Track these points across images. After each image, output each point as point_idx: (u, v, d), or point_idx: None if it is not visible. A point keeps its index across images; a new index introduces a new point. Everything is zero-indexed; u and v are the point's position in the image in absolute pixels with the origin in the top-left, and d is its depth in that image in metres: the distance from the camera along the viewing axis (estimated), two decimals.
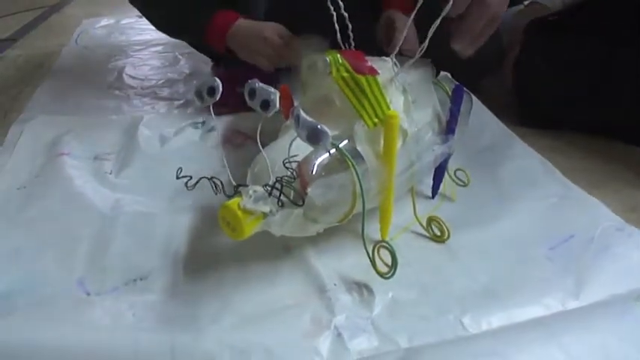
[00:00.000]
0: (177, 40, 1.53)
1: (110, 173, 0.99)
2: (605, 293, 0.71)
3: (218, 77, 1.25)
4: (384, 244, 0.70)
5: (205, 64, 1.53)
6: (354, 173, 0.66)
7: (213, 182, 0.65)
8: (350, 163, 0.66)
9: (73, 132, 1.11)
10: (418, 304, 0.69)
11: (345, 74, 0.70)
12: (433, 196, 0.91)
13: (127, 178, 0.97)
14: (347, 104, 0.71)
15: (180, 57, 1.68)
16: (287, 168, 0.64)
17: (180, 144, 1.08)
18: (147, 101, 1.35)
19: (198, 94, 0.67)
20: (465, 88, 0.84)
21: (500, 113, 1.19)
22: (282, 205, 0.64)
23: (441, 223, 0.79)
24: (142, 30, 2.00)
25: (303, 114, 0.60)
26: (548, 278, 0.74)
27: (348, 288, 0.71)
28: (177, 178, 0.66)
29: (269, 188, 0.63)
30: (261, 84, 0.62)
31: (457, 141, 0.87)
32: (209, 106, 0.68)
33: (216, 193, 0.65)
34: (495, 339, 0.64)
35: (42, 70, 1.60)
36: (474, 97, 1.03)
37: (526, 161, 1.02)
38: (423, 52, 0.72)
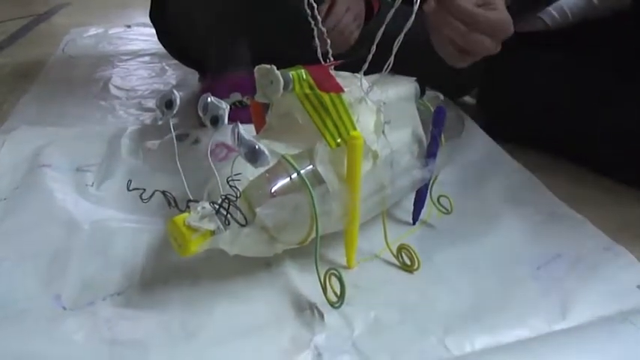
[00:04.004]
0: (165, 51, 1.52)
1: (91, 185, 0.97)
2: (591, 314, 0.70)
3: (204, 89, 1.26)
4: (334, 272, 0.69)
5: (192, 74, 1.52)
6: (309, 195, 0.65)
7: (166, 197, 0.64)
8: (305, 183, 0.66)
9: (55, 143, 1.09)
10: (401, 325, 0.68)
11: (308, 91, 0.68)
12: (414, 222, 0.89)
13: (108, 190, 0.96)
14: (310, 122, 0.70)
15: (167, 67, 1.67)
16: (231, 186, 0.63)
17: (164, 156, 1.06)
18: (132, 112, 1.34)
19: (159, 108, 0.66)
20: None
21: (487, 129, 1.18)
22: (229, 224, 0.62)
23: (412, 252, 0.77)
24: (130, 40, 2.00)
25: (242, 132, 0.60)
26: (534, 299, 0.73)
27: (329, 307, 0.69)
28: (129, 190, 0.64)
29: (216, 206, 0.62)
30: (213, 98, 0.62)
31: (448, 160, 0.86)
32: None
33: (170, 207, 0.64)
34: None
35: (27, 79, 1.58)
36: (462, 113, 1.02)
37: (514, 177, 1.02)
38: (389, 67, 0.70)
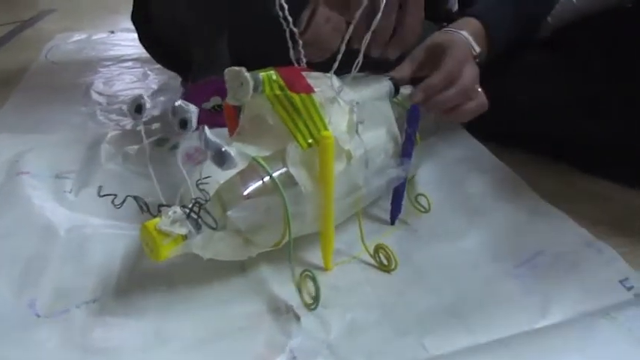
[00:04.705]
0: (148, 56, 1.51)
1: (70, 192, 0.96)
2: (573, 311, 0.69)
3: (185, 93, 1.26)
4: (309, 273, 0.69)
5: (174, 79, 1.51)
6: (281, 197, 0.65)
7: (138, 202, 0.64)
8: (277, 185, 0.66)
9: (34, 150, 1.08)
10: (378, 326, 0.67)
11: (278, 92, 0.67)
12: (392, 222, 0.88)
13: (87, 196, 0.94)
14: (281, 124, 0.69)
15: (149, 72, 1.66)
16: (200, 190, 0.62)
17: (143, 161, 1.05)
18: (113, 118, 1.33)
19: (130, 113, 0.66)
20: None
21: (469, 127, 1.18)
22: (200, 228, 0.62)
23: (389, 252, 0.76)
24: (113, 45, 1.98)
25: (209, 134, 0.60)
26: (514, 296, 0.72)
27: (306, 309, 0.68)
28: (100, 196, 0.64)
29: (187, 210, 0.61)
30: (182, 102, 0.62)
31: (426, 154, 0.86)
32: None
33: (142, 213, 0.63)
34: None
35: (9, 86, 1.57)
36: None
37: (496, 175, 1.01)
38: (358, 67, 0.70)
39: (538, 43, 1.13)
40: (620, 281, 0.74)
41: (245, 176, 0.67)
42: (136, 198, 0.64)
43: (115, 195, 0.63)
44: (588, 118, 1.03)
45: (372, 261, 0.78)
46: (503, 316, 0.69)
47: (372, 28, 0.66)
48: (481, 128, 1.11)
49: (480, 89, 0.89)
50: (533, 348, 0.63)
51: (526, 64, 1.12)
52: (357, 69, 0.70)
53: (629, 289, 0.73)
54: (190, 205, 0.61)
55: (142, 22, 1.38)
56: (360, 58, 0.69)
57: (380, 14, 0.66)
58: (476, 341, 0.65)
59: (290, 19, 0.74)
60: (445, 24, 1.22)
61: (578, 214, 0.88)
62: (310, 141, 0.69)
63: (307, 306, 0.68)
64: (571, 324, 0.67)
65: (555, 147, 1.09)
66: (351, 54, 0.70)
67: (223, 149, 0.59)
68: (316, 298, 0.68)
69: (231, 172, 0.64)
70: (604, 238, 0.82)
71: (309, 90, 0.69)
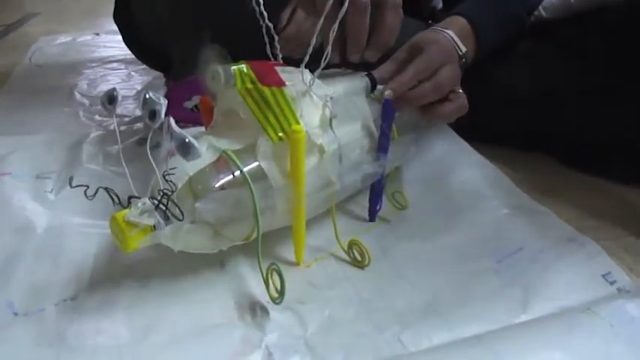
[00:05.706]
0: (133, 57, 1.51)
1: (50, 192, 0.96)
2: (554, 306, 0.68)
3: (168, 92, 1.25)
4: (275, 267, 0.68)
5: (158, 79, 1.52)
6: (250, 190, 0.65)
7: (109, 193, 0.64)
8: (245, 179, 0.65)
9: (17, 151, 1.08)
10: (356, 322, 0.67)
11: (250, 85, 0.68)
12: (371, 219, 0.88)
13: (67, 196, 0.94)
14: (252, 117, 0.69)
15: (133, 73, 1.66)
16: (167, 181, 0.62)
17: (125, 161, 1.05)
18: (95, 118, 1.33)
19: (103, 105, 0.66)
20: None
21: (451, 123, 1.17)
22: (168, 219, 0.62)
23: (362, 247, 0.75)
24: (98, 47, 1.99)
25: (174, 125, 0.60)
26: (495, 292, 0.72)
27: (283, 306, 0.68)
28: (71, 187, 0.64)
29: (155, 201, 0.61)
30: (152, 94, 0.62)
31: (406, 150, 0.85)
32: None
33: (114, 205, 0.63)
34: (433, 357, 0.61)
35: None
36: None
37: (478, 171, 1.00)
38: (327, 59, 0.70)
39: (539, 34, 1.12)
40: (603, 275, 0.74)
41: (218, 168, 0.66)
42: (107, 189, 0.63)
43: (87, 186, 0.63)
44: (587, 110, 1.02)
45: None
46: (483, 311, 0.68)
47: (339, 18, 0.65)
48: (473, 129, 1.11)
49: (460, 91, 0.88)
50: (514, 343, 0.62)
51: (526, 53, 1.12)
52: (326, 61, 0.70)
53: (612, 283, 0.73)
54: (160, 196, 0.61)
55: (124, 21, 1.38)
56: (329, 50, 0.68)
57: (347, 4, 0.66)
58: (454, 337, 0.64)
59: (266, 14, 0.74)
60: (430, 22, 1.22)
61: (562, 208, 0.89)
62: (281, 134, 0.68)
63: (273, 300, 0.67)
64: (552, 319, 0.66)
65: (549, 143, 1.09)
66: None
67: (187, 140, 0.59)
68: (281, 292, 0.67)
69: (198, 163, 0.64)
70: (590, 233, 0.81)
71: (280, 83, 0.69)
